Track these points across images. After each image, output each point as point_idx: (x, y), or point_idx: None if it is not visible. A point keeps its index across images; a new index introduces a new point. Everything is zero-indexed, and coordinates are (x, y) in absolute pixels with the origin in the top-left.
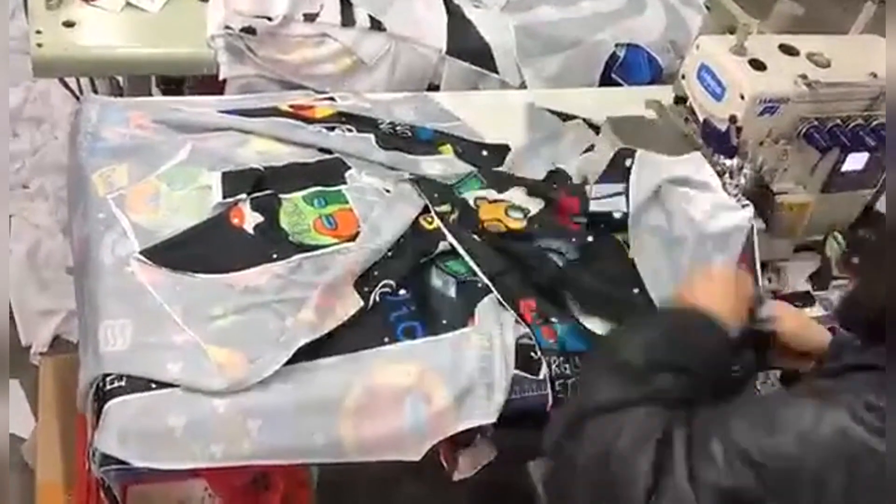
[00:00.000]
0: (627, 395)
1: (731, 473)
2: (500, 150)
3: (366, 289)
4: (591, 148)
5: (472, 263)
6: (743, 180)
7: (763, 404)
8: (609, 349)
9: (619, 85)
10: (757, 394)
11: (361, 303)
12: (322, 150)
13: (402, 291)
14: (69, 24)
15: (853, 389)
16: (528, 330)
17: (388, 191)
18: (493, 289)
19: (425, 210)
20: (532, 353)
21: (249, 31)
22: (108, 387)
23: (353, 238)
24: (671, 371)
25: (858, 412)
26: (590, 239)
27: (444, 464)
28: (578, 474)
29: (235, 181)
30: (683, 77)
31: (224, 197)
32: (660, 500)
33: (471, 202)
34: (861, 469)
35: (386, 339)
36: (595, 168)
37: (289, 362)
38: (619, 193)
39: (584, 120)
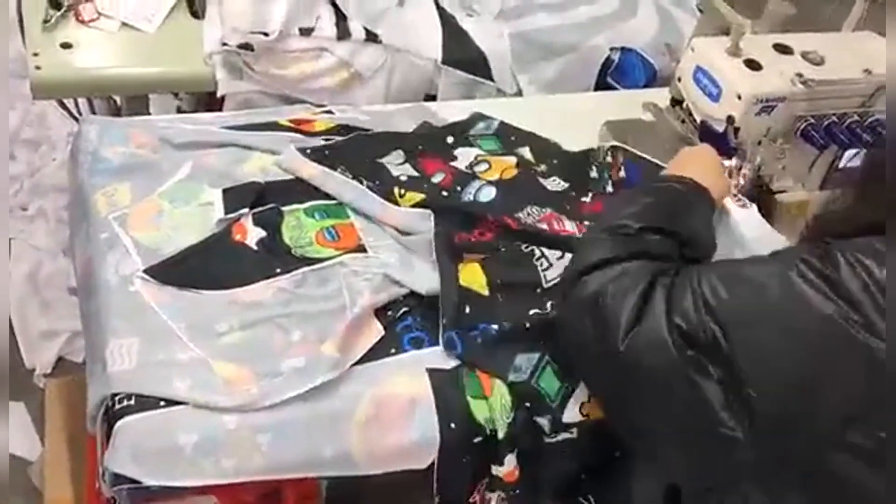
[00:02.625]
0: (619, 252)
1: (694, 317)
2: None
3: (389, 312)
4: None
5: None
6: (742, 180)
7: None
8: (604, 218)
9: (615, 89)
10: None
11: (382, 332)
12: None
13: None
14: (66, 46)
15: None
16: None
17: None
18: None
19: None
20: None
21: (246, 47)
22: (118, 406)
23: (355, 250)
24: (662, 234)
25: (799, 266)
26: None
27: None
28: (573, 316)
29: (237, 197)
30: (679, 79)
31: (226, 213)
32: (638, 333)
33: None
34: (796, 319)
35: (393, 350)
36: None
37: None
38: None
39: None
